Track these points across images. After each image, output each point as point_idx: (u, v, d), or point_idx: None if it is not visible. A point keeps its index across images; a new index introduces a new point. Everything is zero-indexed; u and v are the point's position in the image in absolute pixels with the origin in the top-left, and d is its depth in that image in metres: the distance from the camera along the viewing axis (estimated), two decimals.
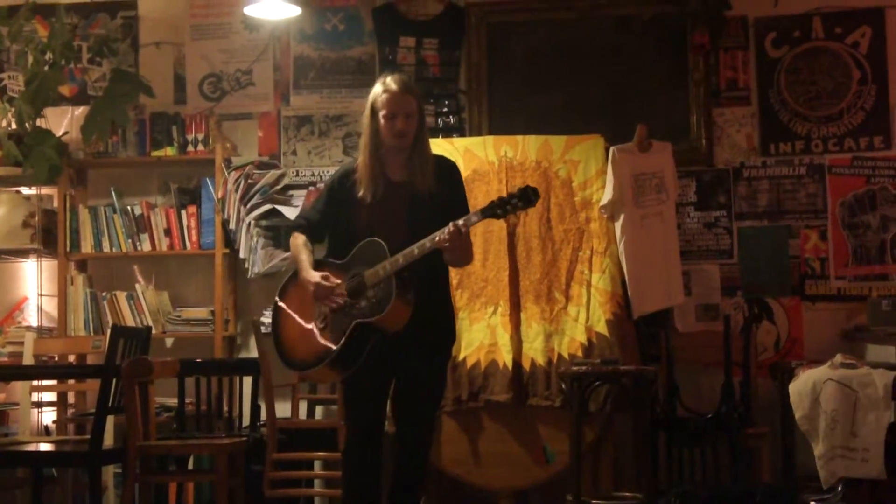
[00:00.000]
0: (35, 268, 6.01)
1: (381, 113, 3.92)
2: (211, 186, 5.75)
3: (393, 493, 4.01)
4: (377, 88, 3.96)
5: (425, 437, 4.03)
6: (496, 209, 3.72)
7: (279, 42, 6.02)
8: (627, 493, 4.87)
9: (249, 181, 5.63)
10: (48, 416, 5.80)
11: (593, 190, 5.17)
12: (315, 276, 3.91)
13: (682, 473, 4.99)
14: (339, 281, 3.87)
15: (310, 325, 3.95)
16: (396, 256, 3.77)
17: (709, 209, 5.68)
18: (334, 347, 3.84)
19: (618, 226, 5.12)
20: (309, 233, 4.10)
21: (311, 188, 5.76)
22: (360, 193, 3.94)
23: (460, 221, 3.70)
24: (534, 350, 5.00)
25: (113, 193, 5.88)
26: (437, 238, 3.71)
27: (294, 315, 4.02)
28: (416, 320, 3.82)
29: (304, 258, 3.99)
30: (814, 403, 4.41)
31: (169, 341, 5.84)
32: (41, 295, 5.98)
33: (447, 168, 4.06)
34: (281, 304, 4.08)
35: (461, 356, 5.02)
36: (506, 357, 4.97)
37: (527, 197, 3.68)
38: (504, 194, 5.08)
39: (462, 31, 5.88)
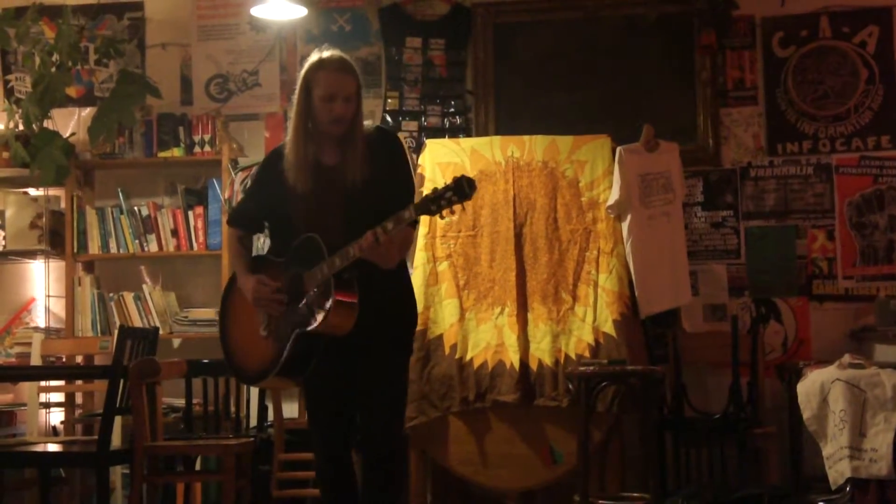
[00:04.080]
0: (43, 269, 6.03)
1: (317, 93, 3.51)
2: (218, 187, 5.76)
3: (366, 500, 3.65)
4: (313, 62, 3.55)
5: (390, 437, 3.60)
6: (430, 205, 3.27)
7: (285, 43, 6.03)
8: (635, 494, 4.86)
9: None
10: (56, 417, 5.82)
11: (600, 190, 5.16)
12: (251, 281, 3.58)
13: (689, 474, 4.99)
14: (276, 284, 3.55)
15: (255, 334, 3.63)
16: (333, 258, 3.42)
17: (716, 209, 5.68)
18: (279, 358, 3.52)
19: (625, 226, 5.11)
20: (242, 224, 3.78)
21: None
22: (291, 181, 3.56)
23: (379, 229, 3.32)
24: (541, 350, 4.99)
25: (120, 194, 5.89)
26: (361, 246, 3.36)
27: (239, 323, 3.71)
28: (370, 316, 3.48)
29: (240, 261, 3.70)
30: (822, 404, 4.40)
31: (176, 342, 5.85)
32: (49, 296, 5.99)
33: (384, 142, 3.63)
34: (225, 312, 3.78)
35: (468, 356, 5.01)
36: (513, 357, 4.97)
37: (461, 188, 3.21)
38: (510, 195, 5.14)
39: (468, 32, 5.88)
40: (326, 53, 3.55)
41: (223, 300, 3.81)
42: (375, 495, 3.61)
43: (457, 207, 3.28)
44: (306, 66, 3.57)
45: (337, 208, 3.53)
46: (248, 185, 3.89)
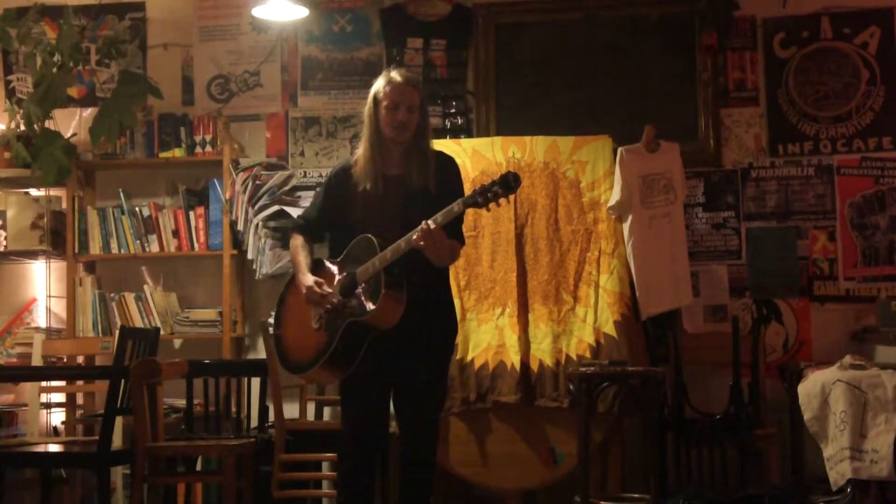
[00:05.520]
0: (44, 269, 6.03)
1: (384, 104, 3.86)
2: (219, 188, 5.76)
3: (402, 498, 3.95)
4: (381, 80, 3.91)
5: (429, 440, 3.93)
6: (477, 198, 3.58)
7: (287, 43, 6.03)
8: (635, 495, 4.86)
9: (257, 182, 5.64)
10: (57, 417, 5.82)
11: (601, 191, 5.16)
12: (308, 280, 3.86)
13: (690, 475, 4.99)
14: (329, 290, 3.81)
15: (307, 327, 3.90)
16: (384, 252, 3.70)
17: (717, 210, 5.68)
18: (329, 347, 3.79)
19: (626, 227, 5.12)
20: (308, 232, 4.06)
21: (319, 189, 5.76)
22: (359, 187, 3.88)
23: (430, 219, 3.61)
24: (542, 351, 5.00)
25: (121, 195, 5.89)
26: (413, 237, 3.63)
27: (293, 317, 3.99)
28: (413, 318, 3.73)
29: (301, 260, 3.95)
30: (823, 405, 4.40)
31: (177, 342, 5.85)
32: (50, 296, 5.99)
33: (445, 164, 3.97)
34: (281, 307, 4.05)
35: (469, 357, 5.02)
36: (514, 358, 4.97)
37: (507, 183, 3.53)
38: (511, 195, 5.13)
39: (469, 32, 5.88)
40: (395, 71, 3.91)
41: (281, 295, 4.08)
42: (415, 479, 3.91)
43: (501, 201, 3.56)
44: (376, 83, 3.92)
45: (395, 212, 3.83)
46: (314, 198, 4.20)
